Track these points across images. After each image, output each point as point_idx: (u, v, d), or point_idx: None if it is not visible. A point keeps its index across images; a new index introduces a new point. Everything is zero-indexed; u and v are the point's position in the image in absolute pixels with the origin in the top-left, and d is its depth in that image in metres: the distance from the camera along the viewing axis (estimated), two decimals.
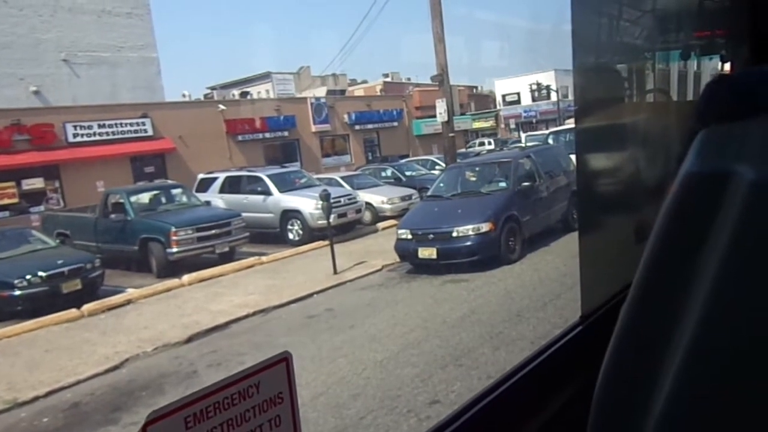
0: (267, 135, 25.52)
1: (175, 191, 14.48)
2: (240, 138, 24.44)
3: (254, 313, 8.62)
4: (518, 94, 46.13)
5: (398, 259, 10.62)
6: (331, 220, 11.62)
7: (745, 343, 0.57)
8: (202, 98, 35.78)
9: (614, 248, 1.62)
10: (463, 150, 28.79)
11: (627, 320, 0.67)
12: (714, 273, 0.58)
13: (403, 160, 23.62)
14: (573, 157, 11.64)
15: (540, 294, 7.90)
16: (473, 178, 11.86)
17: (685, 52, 2.62)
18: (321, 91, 36.22)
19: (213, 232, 12.35)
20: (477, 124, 40.27)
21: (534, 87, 44.29)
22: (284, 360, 0.70)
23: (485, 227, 9.82)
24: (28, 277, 9.73)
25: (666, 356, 0.61)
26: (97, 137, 20.40)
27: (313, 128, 27.38)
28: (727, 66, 2.72)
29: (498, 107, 46.37)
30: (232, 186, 15.96)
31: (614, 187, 1.84)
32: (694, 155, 0.64)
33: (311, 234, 13.82)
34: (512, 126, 45.21)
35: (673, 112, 2.42)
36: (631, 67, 2.08)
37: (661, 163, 1.93)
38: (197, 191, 15.65)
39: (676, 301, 0.62)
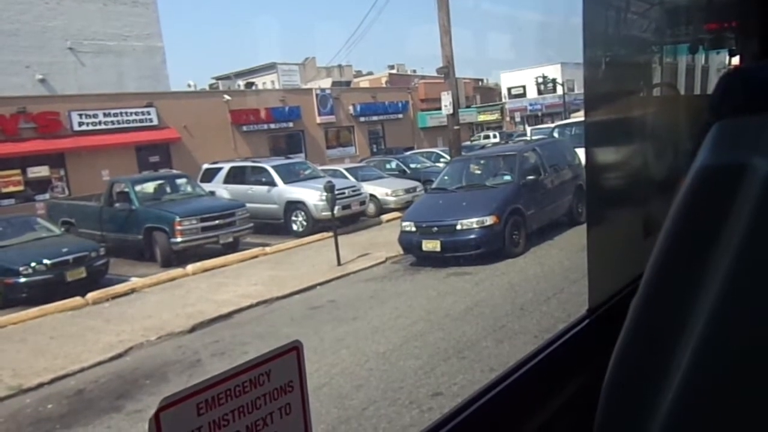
0: (272, 126, 25.52)
1: (179, 181, 14.49)
2: (245, 128, 24.44)
3: (257, 304, 8.64)
4: (524, 87, 45.97)
5: (402, 252, 10.61)
6: (335, 212, 11.62)
7: (758, 340, 0.56)
8: (207, 88, 35.70)
9: (623, 241, 1.61)
10: (468, 143, 28.73)
11: (637, 314, 0.67)
12: (727, 267, 0.58)
13: (408, 153, 23.55)
14: (579, 150, 11.64)
15: (544, 288, 7.89)
16: (478, 171, 11.82)
17: (694, 46, 2.61)
18: (326, 83, 36.06)
19: (217, 222, 12.37)
20: (482, 117, 40.17)
21: (540, 80, 44.13)
22: (295, 349, 0.70)
23: (489, 220, 9.80)
24: (33, 264, 9.77)
25: (676, 352, 0.61)
26: (103, 126, 20.44)
27: (318, 119, 27.35)
28: (736, 59, 2.70)
29: (503, 100, 46.22)
30: (236, 176, 15.95)
31: (623, 180, 1.83)
32: (708, 148, 0.63)
33: (315, 225, 13.81)
34: (517, 119, 45.09)
35: (683, 106, 2.41)
36: (642, 60, 2.07)
37: (670, 157, 1.92)
38: (202, 181, 15.63)
39: (688, 296, 0.61)
